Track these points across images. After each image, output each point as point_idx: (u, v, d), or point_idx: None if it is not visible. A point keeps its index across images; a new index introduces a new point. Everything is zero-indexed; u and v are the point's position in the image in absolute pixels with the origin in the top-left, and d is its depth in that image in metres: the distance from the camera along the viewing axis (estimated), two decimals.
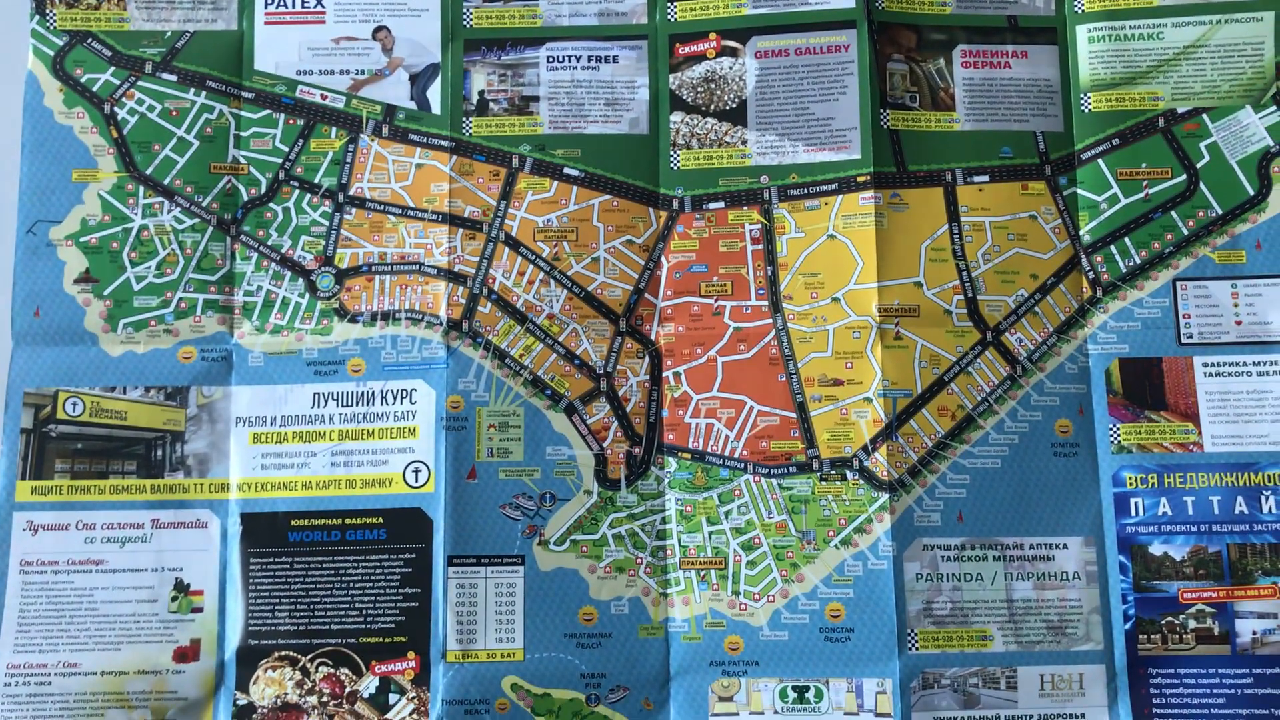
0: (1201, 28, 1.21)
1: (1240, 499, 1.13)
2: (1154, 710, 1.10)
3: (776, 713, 1.11)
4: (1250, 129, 1.19)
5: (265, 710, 1.11)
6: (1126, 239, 1.18)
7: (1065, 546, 1.13)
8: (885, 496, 1.13)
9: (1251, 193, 1.18)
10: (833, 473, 1.14)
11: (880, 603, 1.11)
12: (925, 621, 1.12)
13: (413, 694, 1.11)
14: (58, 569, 1.12)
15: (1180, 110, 1.20)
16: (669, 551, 1.14)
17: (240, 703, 1.11)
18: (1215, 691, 1.10)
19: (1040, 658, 1.11)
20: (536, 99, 1.21)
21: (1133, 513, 1.13)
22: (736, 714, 1.11)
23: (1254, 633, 1.11)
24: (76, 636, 1.11)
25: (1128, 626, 1.12)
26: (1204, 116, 1.20)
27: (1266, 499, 1.13)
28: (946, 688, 1.10)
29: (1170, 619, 1.12)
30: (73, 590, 1.12)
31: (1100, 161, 1.20)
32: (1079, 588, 1.12)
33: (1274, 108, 1.19)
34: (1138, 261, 1.18)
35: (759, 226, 1.19)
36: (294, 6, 1.22)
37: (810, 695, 1.11)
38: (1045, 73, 1.22)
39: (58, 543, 1.12)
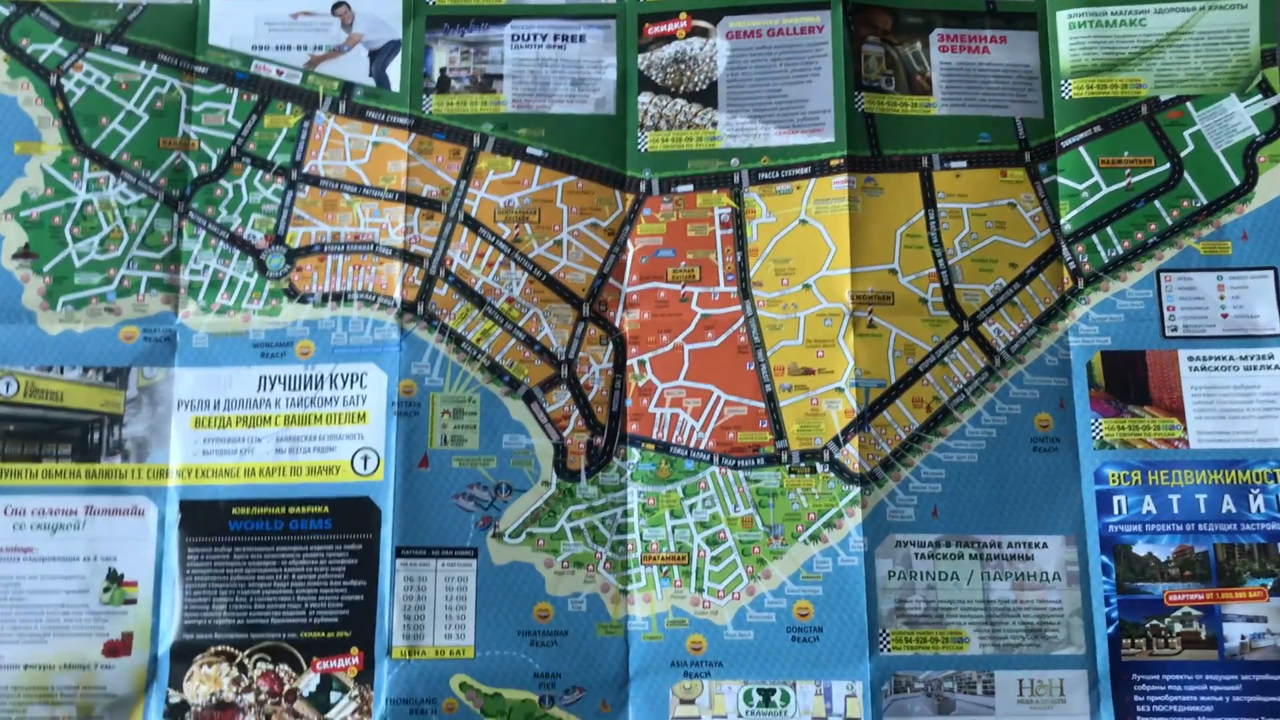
0: (1185, 14, 1.18)
1: (1228, 497, 1.09)
2: (1138, 718, 1.05)
3: (740, 716, 1.05)
4: (1235, 118, 1.16)
5: (199, 709, 1.05)
6: (1109, 228, 1.15)
7: (1045, 545, 1.08)
8: (857, 490, 1.08)
9: (1237, 182, 1.15)
10: (802, 465, 1.09)
11: (850, 601, 1.06)
12: (898, 622, 1.06)
13: (355, 692, 1.05)
14: None
15: (1163, 98, 1.17)
16: (630, 546, 1.09)
17: (173, 700, 1.05)
18: (1202, 699, 1.05)
19: (1019, 661, 1.06)
20: (500, 77, 1.18)
21: (1115, 511, 1.09)
22: (698, 717, 1.05)
23: (1242, 637, 1.06)
24: (0, 628, 1.05)
25: (1110, 630, 1.07)
26: (1188, 105, 1.17)
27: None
28: (920, 692, 1.05)
29: (1155, 622, 1.07)
30: None
31: (1081, 149, 1.16)
32: (1059, 589, 1.08)
33: (1259, 96, 1.16)
34: (1120, 252, 1.14)
35: (729, 210, 1.15)
36: None
37: (776, 698, 1.05)
38: (1025, 58, 1.19)
39: None
